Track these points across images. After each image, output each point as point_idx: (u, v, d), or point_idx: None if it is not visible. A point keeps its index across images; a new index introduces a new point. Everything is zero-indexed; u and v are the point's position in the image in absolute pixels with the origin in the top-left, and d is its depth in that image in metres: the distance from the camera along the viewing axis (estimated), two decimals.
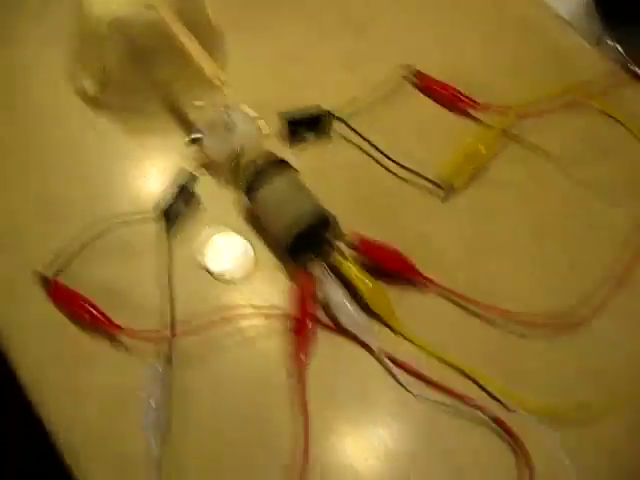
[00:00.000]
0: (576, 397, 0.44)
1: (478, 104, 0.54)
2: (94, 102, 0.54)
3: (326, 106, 0.53)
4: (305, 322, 0.45)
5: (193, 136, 0.50)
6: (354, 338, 0.45)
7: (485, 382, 0.44)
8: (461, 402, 0.43)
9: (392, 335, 0.46)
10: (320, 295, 0.46)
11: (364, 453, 0.43)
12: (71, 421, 0.43)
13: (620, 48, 0.62)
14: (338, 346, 0.46)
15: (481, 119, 0.55)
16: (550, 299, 0.48)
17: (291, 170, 0.48)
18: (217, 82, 0.47)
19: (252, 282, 0.48)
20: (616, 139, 0.55)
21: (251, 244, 0.49)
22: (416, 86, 0.56)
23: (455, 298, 0.47)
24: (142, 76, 0.52)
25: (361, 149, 0.53)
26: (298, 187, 0.47)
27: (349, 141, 0.53)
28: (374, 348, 0.45)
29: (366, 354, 0.45)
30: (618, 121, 0.55)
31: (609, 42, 0.62)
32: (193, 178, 0.49)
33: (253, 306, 0.46)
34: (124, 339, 0.45)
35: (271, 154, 0.48)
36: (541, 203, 0.52)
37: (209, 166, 0.51)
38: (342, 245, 0.47)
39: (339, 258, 0.46)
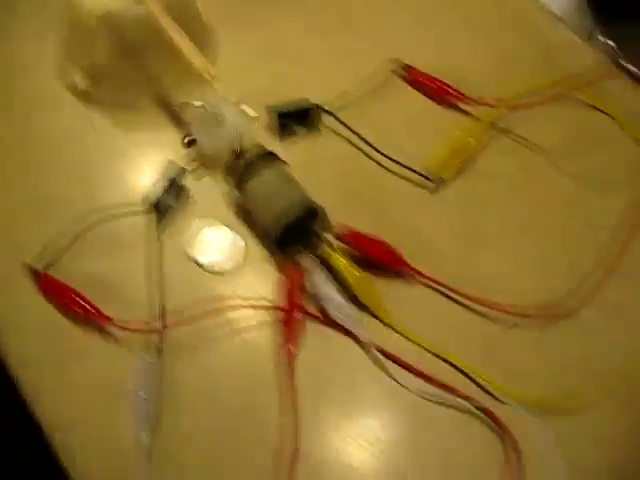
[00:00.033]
0: (564, 387, 0.45)
1: (467, 97, 0.54)
2: (84, 96, 0.54)
3: (316, 100, 0.53)
4: (293, 313, 0.45)
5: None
6: (343, 329, 0.46)
7: (474, 373, 0.44)
8: (449, 393, 0.44)
9: (381, 326, 0.46)
10: (309, 287, 0.46)
11: (353, 443, 0.43)
12: (62, 413, 0.43)
13: (612, 43, 0.62)
14: (327, 337, 0.46)
15: (470, 112, 0.55)
16: (539, 290, 0.48)
17: (280, 163, 0.48)
18: (207, 76, 0.47)
19: (242, 274, 0.48)
20: (605, 132, 0.55)
21: (241, 236, 0.49)
22: (405, 80, 0.56)
23: (444, 290, 0.47)
24: (132, 70, 0.53)
25: (350, 142, 0.53)
26: (287, 179, 0.48)
27: (338, 134, 0.53)
28: (363, 339, 0.45)
29: (355, 345, 0.45)
30: (607, 114, 0.55)
31: (600, 38, 0.63)
32: (183, 171, 0.49)
33: (242, 298, 0.46)
34: (114, 331, 0.45)
35: (260, 147, 0.49)
36: (530, 195, 0.52)
37: (199, 159, 0.51)
38: (331, 237, 0.47)
39: (328, 250, 0.47)
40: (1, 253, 0.49)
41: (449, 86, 0.55)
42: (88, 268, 0.48)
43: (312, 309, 0.46)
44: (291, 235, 0.46)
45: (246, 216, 0.49)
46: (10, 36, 0.58)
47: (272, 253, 0.48)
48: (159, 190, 0.49)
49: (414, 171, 0.51)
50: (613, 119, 0.55)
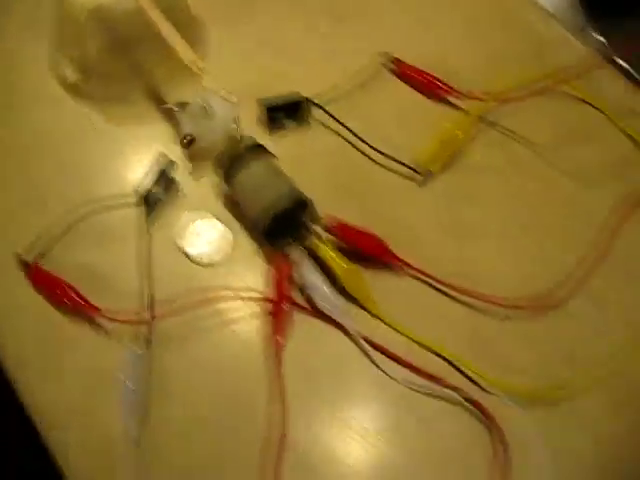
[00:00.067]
0: (553, 377, 0.45)
1: (456, 91, 0.55)
2: (75, 90, 0.54)
3: (305, 93, 0.53)
4: (282, 304, 0.45)
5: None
6: (331, 321, 0.46)
7: (461, 364, 0.45)
8: (437, 384, 0.44)
9: (369, 318, 0.46)
10: (297, 278, 0.46)
11: (341, 434, 0.43)
12: (50, 403, 0.44)
13: (602, 39, 0.62)
14: (315, 328, 0.46)
15: (459, 105, 0.55)
16: (527, 282, 0.48)
17: (268, 155, 0.48)
18: (195, 69, 0.48)
19: (230, 266, 0.48)
20: (594, 125, 0.55)
21: (230, 228, 0.49)
22: (394, 73, 0.56)
23: (432, 281, 0.47)
24: (123, 64, 0.53)
25: (340, 135, 0.53)
26: (276, 172, 0.48)
27: (328, 127, 0.54)
28: (351, 330, 0.45)
29: (343, 336, 0.46)
30: (596, 108, 0.56)
31: (592, 33, 0.63)
32: (172, 164, 0.50)
33: (231, 289, 0.47)
34: (104, 322, 0.45)
35: (249, 139, 0.49)
36: (518, 188, 0.52)
37: (189, 152, 0.51)
38: (319, 229, 0.47)
39: (316, 241, 0.47)
40: None
41: (438, 79, 0.55)
42: (79, 260, 0.48)
43: (300, 300, 0.47)
44: (280, 227, 0.46)
45: (235, 208, 0.50)
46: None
47: (261, 245, 0.49)
48: (149, 183, 0.49)
49: (402, 164, 0.51)
50: (602, 113, 0.56)
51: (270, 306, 0.46)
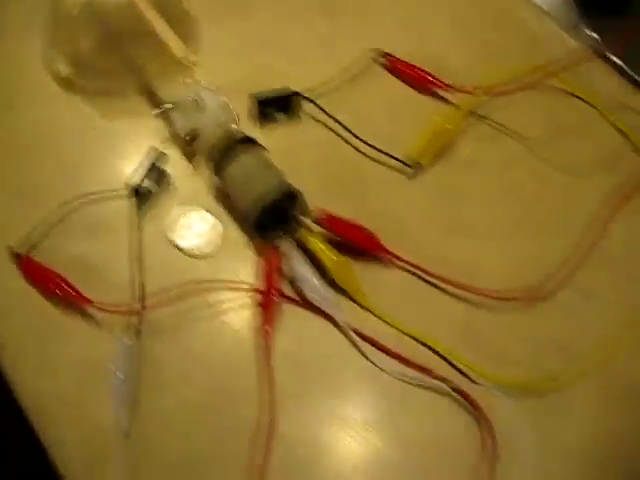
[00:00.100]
0: (542, 369, 0.45)
1: (447, 85, 0.55)
2: (68, 84, 0.55)
3: (297, 88, 0.53)
4: (271, 295, 0.46)
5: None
6: (321, 312, 0.46)
7: (451, 356, 0.45)
8: (426, 375, 0.44)
9: (359, 310, 0.47)
10: (287, 270, 0.47)
11: (330, 424, 0.44)
12: (41, 393, 0.44)
13: (596, 35, 0.62)
14: (305, 320, 0.46)
15: (450, 99, 0.55)
16: (518, 275, 0.48)
17: (259, 148, 0.49)
18: (186, 62, 0.48)
19: (221, 258, 0.48)
20: (585, 118, 0.56)
21: (220, 221, 0.50)
22: (385, 68, 0.57)
23: (421, 274, 0.48)
24: (115, 58, 0.53)
25: (330, 129, 0.54)
26: (266, 164, 0.48)
27: (318, 121, 0.54)
28: (340, 322, 0.46)
29: (333, 328, 0.46)
30: (587, 102, 0.56)
31: (586, 31, 0.63)
32: (164, 157, 0.50)
33: (222, 281, 0.47)
34: (95, 313, 0.45)
35: (239, 132, 0.49)
36: (509, 181, 0.53)
37: (180, 145, 0.52)
38: (309, 221, 0.48)
39: (306, 234, 0.47)
40: None
41: (429, 74, 0.55)
42: (71, 251, 0.48)
43: (290, 293, 0.47)
44: (270, 219, 0.47)
45: (226, 201, 0.50)
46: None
47: (251, 237, 0.49)
48: (140, 175, 0.49)
49: (392, 157, 0.52)
50: (593, 107, 0.56)
51: (260, 297, 0.46)
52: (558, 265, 0.48)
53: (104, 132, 0.53)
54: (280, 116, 0.54)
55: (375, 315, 0.46)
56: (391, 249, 0.48)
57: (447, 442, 0.43)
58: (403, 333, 0.46)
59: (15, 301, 0.47)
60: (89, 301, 0.45)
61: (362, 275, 0.47)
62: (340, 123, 0.53)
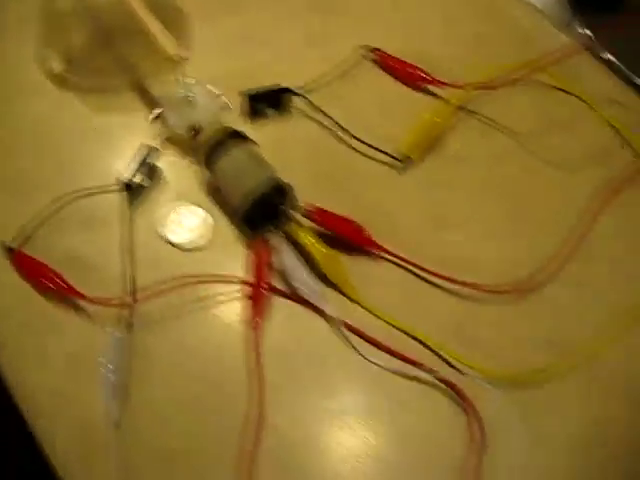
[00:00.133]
0: (531, 361, 0.45)
1: (437, 81, 0.55)
2: (60, 80, 0.55)
3: (288, 84, 0.54)
4: (260, 288, 0.46)
5: (155, 113, 0.51)
6: (310, 305, 0.46)
7: (440, 348, 0.45)
8: (415, 367, 0.44)
9: (348, 303, 0.47)
10: (276, 263, 0.47)
11: (319, 416, 0.44)
12: (34, 387, 0.44)
13: (589, 32, 0.63)
14: (294, 313, 0.46)
15: (440, 95, 0.56)
16: (508, 268, 0.48)
17: (249, 142, 0.49)
18: (177, 58, 0.48)
19: (212, 251, 0.49)
20: (575, 113, 0.56)
21: (211, 215, 0.50)
22: (376, 63, 0.57)
23: (411, 267, 0.48)
24: (108, 55, 0.54)
25: (321, 124, 0.54)
26: (256, 159, 0.48)
27: (309, 116, 0.54)
28: (329, 315, 0.46)
29: (322, 321, 0.46)
30: (577, 97, 0.56)
31: (579, 28, 0.63)
32: (155, 152, 0.50)
33: (212, 274, 0.47)
34: (87, 306, 0.46)
35: (229, 127, 0.50)
36: (499, 175, 0.53)
37: (172, 140, 0.52)
38: (299, 215, 0.48)
39: (295, 227, 0.47)
40: None
41: (420, 69, 0.56)
42: (63, 245, 0.49)
43: (280, 286, 0.47)
44: (260, 213, 0.47)
45: (217, 195, 0.50)
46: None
47: (241, 231, 0.49)
48: (132, 170, 0.50)
49: (382, 151, 0.52)
50: (583, 101, 0.56)
51: (250, 290, 0.46)
52: (548, 258, 0.49)
53: (97, 128, 0.54)
54: (271, 112, 0.54)
55: (364, 308, 0.47)
56: (381, 243, 0.48)
57: (435, 433, 0.43)
58: (392, 326, 0.46)
59: (7, 295, 0.47)
60: (81, 294, 0.45)
61: (352, 268, 0.48)
62: (331, 118, 0.53)
